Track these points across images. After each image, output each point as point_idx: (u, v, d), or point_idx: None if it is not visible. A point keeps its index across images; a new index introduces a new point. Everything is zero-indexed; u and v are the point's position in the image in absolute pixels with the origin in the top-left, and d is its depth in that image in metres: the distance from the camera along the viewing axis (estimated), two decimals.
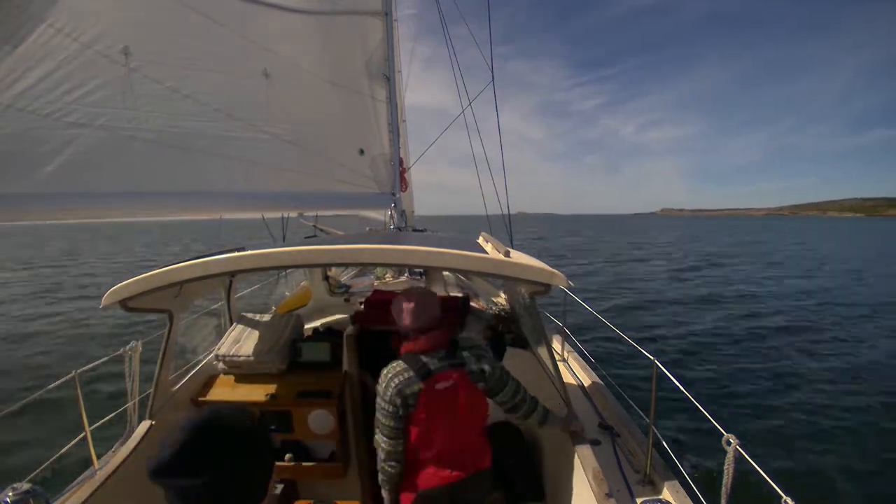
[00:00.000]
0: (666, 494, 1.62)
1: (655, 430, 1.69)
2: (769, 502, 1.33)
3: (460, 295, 3.56)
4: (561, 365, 2.81)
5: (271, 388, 2.50)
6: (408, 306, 1.71)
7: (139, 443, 2.02)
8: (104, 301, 1.85)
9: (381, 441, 1.69)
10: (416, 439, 1.66)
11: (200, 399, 2.48)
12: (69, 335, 9.67)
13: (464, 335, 2.01)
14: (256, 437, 0.89)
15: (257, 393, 2.48)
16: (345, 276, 5.31)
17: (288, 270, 4.91)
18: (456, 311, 2.91)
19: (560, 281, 1.66)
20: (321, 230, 5.58)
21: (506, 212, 4.81)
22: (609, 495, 1.55)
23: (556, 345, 3.20)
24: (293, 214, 4.67)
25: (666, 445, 1.83)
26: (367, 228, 6.56)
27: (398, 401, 1.61)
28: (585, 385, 2.63)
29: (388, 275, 5.11)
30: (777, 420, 5.72)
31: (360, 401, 2.55)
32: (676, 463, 1.78)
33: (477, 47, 5.24)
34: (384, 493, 1.77)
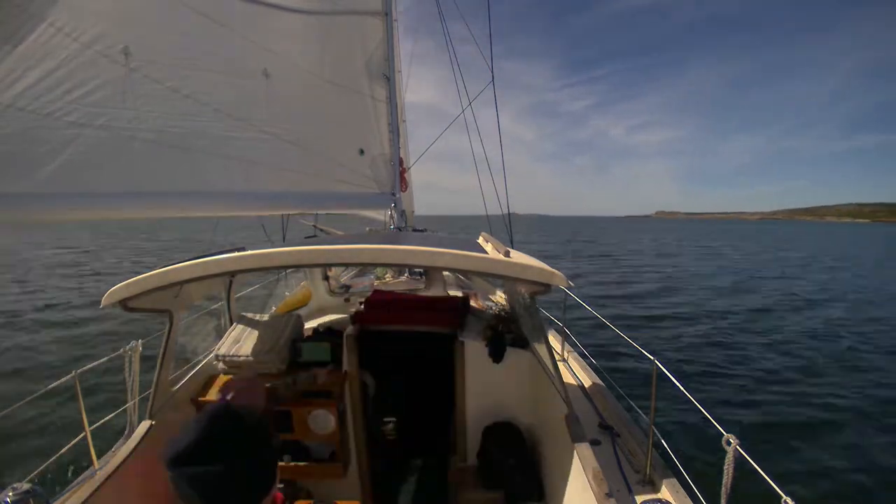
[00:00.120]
0: (666, 494, 1.62)
1: (655, 430, 1.69)
2: (769, 502, 1.33)
3: (460, 295, 3.57)
4: (561, 365, 2.81)
5: None
6: None
7: (139, 443, 2.01)
8: (104, 301, 1.85)
9: None
10: None
11: (200, 399, 2.47)
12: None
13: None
14: (266, 429, 0.92)
15: None
16: (345, 276, 5.31)
17: (288, 270, 4.91)
18: (456, 311, 2.91)
19: (560, 281, 1.66)
20: (321, 230, 5.58)
21: (505, 211, 4.82)
22: (609, 495, 1.55)
23: (556, 345, 3.20)
24: (293, 213, 4.66)
25: (666, 445, 1.83)
26: (367, 228, 6.56)
27: None
28: (585, 385, 2.63)
29: (388, 275, 5.11)
30: (777, 420, 5.72)
31: (360, 401, 2.54)
32: (676, 463, 1.78)
33: (474, 45, 5.24)
34: None
